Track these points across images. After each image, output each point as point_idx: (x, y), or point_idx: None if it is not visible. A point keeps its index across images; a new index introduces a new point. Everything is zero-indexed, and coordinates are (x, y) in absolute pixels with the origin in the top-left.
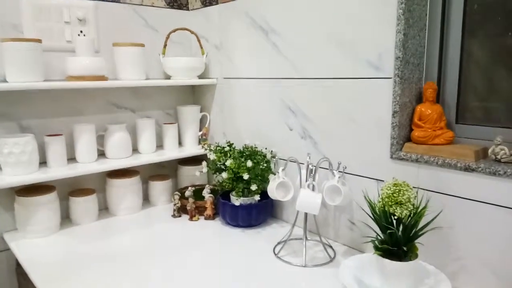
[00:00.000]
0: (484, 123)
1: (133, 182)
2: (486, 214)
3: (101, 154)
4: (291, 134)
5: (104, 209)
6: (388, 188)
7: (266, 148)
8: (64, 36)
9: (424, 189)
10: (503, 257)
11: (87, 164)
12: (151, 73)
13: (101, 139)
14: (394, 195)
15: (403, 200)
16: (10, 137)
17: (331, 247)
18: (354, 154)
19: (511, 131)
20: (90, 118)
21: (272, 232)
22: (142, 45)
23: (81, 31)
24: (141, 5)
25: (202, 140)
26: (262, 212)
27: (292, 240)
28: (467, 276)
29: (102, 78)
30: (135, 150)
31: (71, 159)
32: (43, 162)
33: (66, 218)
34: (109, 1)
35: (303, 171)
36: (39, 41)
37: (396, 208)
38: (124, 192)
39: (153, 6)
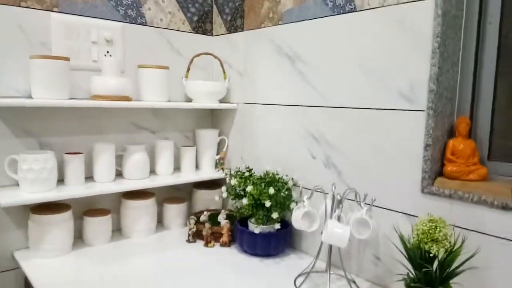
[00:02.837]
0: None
1: (148, 204)
2: None
3: (118, 174)
4: (314, 162)
5: (117, 230)
6: (424, 224)
7: (287, 175)
8: (91, 56)
9: (458, 227)
10: None
11: (105, 184)
12: (173, 96)
13: (119, 159)
14: (430, 231)
15: (439, 237)
16: (30, 153)
17: (354, 282)
18: (382, 186)
19: None
20: (109, 137)
21: (291, 263)
22: (167, 68)
23: (108, 52)
24: (167, 29)
25: (219, 164)
26: (281, 241)
27: (313, 272)
28: None
29: (126, 98)
30: (152, 171)
31: (89, 177)
32: (60, 180)
33: (79, 238)
34: (136, 24)
35: (328, 201)
36: (67, 59)
37: (432, 245)
38: (139, 214)
39: (179, 31)
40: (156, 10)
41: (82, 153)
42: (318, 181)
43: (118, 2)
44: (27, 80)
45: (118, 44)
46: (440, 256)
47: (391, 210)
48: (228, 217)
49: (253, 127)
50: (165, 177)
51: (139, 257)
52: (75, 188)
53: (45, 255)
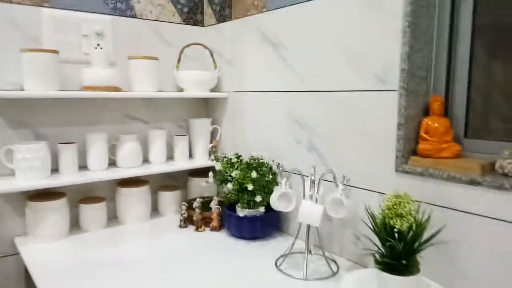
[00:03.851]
0: (493, 137)
1: (142, 192)
2: (492, 230)
3: (113, 163)
4: (298, 147)
5: (113, 217)
6: (389, 200)
7: (273, 160)
8: (82, 49)
9: (428, 203)
10: (510, 274)
11: (98, 172)
12: (165, 86)
13: (113, 149)
14: (395, 207)
15: (403, 212)
16: (24, 144)
17: (335, 261)
18: (360, 167)
19: None
20: (103, 127)
21: (276, 245)
22: (156, 59)
23: (98, 44)
24: (157, 20)
25: (212, 152)
26: (267, 224)
27: (296, 253)
28: None
29: (116, 89)
30: (146, 161)
31: (83, 167)
32: (55, 169)
33: (75, 225)
34: (126, 16)
35: (307, 183)
36: (56, 52)
37: (397, 221)
38: (133, 201)
39: (169, 22)
40: (146, 3)
41: (75, 142)
42: (303, 165)
43: None
44: (19, 73)
45: (108, 37)
46: (408, 232)
47: (368, 190)
48: (220, 203)
49: (243, 115)
50: (158, 166)
51: (133, 242)
52: (69, 176)
53: (42, 240)
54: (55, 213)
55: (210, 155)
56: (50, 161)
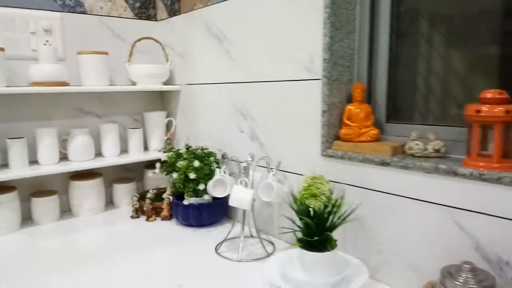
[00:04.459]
0: (411, 121)
1: (95, 184)
2: (402, 208)
3: (65, 157)
4: (242, 136)
5: (67, 210)
6: (306, 182)
7: (220, 150)
8: (30, 45)
9: (348, 184)
10: (419, 250)
11: (49, 166)
12: (118, 80)
13: (64, 143)
14: (310, 188)
15: (317, 192)
16: None
17: (272, 243)
18: (292, 153)
19: (436, 128)
20: (56, 122)
21: (223, 231)
22: (105, 53)
23: (47, 41)
24: (108, 16)
25: (166, 144)
26: (214, 212)
27: (238, 238)
28: (388, 269)
29: (63, 84)
30: (100, 154)
31: (34, 161)
32: (5, 164)
33: (28, 219)
34: (76, 13)
35: (248, 171)
36: (2, 49)
37: (312, 201)
38: (86, 194)
39: (121, 17)
40: None
41: (24, 137)
42: (246, 153)
43: None
44: None
45: (57, 33)
46: (319, 210)
47: (299, 174)
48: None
49: (195, 106)
50: (110, 158)
51: (83, 233)
52: (19, 170)
53: None
54: (5, 206)
55: (165, 147)
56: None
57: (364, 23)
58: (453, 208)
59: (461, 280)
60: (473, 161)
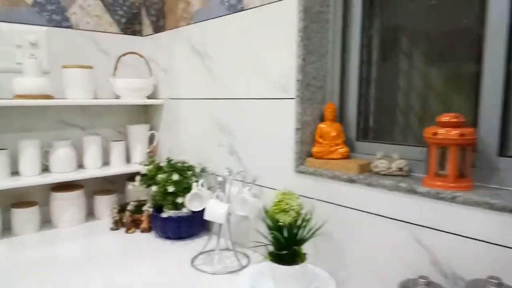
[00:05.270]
0: (380, 140)
1: (76, 196)
2: (367, 223)
3: (46, 169)
4: (221, 151)
5: (47, 221)
6: (276, 197)
7: (200, 164)
8: (15, 59)
9: (318, 199)
10: (382, 264)
11: (30, 177)
12: (102, 94)
13: (47, 155)
14: (280, 203)
15: (287, 207)
16: None
17: (248, 256)
18: (268, 168)
19: (402, 147)
20: (39, 134)
21: (200, 243)
22: (90, 67)
23: (33, 54)
24: (94, 31)
25: (149, 157)
26: (193, 225)
27: (214, 251)
28: (355, 283)
29: (48, 97)
30: (82, 166)
31: (16, 172)
32: None
33: (7, 229)
34: (62, 27)
35: (226, 185)
36: None
37: (281, 215)
38: (66, 205)
39: (107, 32)
40: (82, 14)
41: (6, 149)
42: (225, 167)
43: (43, 8)
44: None
45: (42, 47)
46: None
47: (274, 189)
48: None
49: (177, 121)
50: (92, 170)
51: (62, 244)
52: (0, 181)
53: None
54: None
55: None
56: None
57: (336, 46)
58: (413, 225)
59: None
60: (431, 180)
